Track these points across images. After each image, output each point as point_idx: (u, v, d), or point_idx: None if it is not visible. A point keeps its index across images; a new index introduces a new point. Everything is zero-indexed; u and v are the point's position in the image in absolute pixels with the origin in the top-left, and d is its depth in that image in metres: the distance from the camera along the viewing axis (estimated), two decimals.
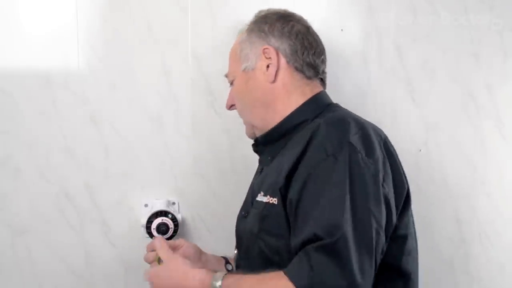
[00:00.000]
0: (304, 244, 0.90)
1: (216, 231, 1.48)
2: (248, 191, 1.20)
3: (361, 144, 0.95)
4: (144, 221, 1.39)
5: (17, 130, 1.39)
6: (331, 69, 1.47)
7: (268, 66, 1.09)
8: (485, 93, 1.55)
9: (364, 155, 0.94)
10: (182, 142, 1.45)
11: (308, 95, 1.10)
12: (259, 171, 1.18)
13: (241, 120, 1.20)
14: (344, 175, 0.91)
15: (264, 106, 1.10)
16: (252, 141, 1.19)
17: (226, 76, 1.19)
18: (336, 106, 1.12)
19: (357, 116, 1.04)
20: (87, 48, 1.40)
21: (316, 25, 1.15)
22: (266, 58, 1.09)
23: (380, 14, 1.49)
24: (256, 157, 1.27)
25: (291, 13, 1.15)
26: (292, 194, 0.96)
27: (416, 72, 1.52)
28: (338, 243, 0.87)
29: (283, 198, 0.98)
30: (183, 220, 1.45)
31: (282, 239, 0.98)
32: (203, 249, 1.25)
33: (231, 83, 1.17)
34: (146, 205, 1.43)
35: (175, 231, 1.39)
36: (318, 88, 1.12)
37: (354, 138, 0.95)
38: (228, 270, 1.23)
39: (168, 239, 1.38)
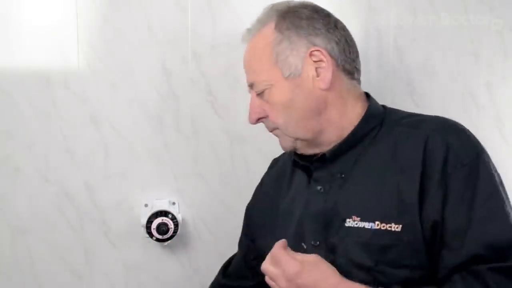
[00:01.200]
0: (465, 264, 0.85)
1: (216, 231, 1.48)
2: (295, 215, 1.03)
3: (482, 148, 0.93)
4: (144, 221, 1.39)
5: (17, 130, 1.39)
6: None
7: (316, 70, 0.96)
8: (485, 93, 1.55)
9: (489, 159, 0.93)
10: (182, 142, 1.45)
11: (362, 100, 1.02)
12: (318, 190, 1.00)
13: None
14: (489, 185, 0.90)
15: (317, 116, 0.97)
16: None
17: (251, 85, 1.01)
18: (387, 107, 1.06)
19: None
20: (87, 48, 1.40)
21: None
22: (314, 61, 0.95)
23: (380, 14, 1.49)
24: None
25: (317, 5, 1.01)
26: (432, 214, 0.88)
27: (416, 72, 1.52)
28: None
29: (422, 222, 0.89)
30: (183, 220, 1.44)
31: (418, 270, 0.89)
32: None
33: (260, 93, 0.99)
34: (146, 205, 1.43)
35: (175, 231, 1.39)
36: (361, 90, 1.04)
37: (477, 144, 0.93)
38: None
39: (168, 239, 1.38)
